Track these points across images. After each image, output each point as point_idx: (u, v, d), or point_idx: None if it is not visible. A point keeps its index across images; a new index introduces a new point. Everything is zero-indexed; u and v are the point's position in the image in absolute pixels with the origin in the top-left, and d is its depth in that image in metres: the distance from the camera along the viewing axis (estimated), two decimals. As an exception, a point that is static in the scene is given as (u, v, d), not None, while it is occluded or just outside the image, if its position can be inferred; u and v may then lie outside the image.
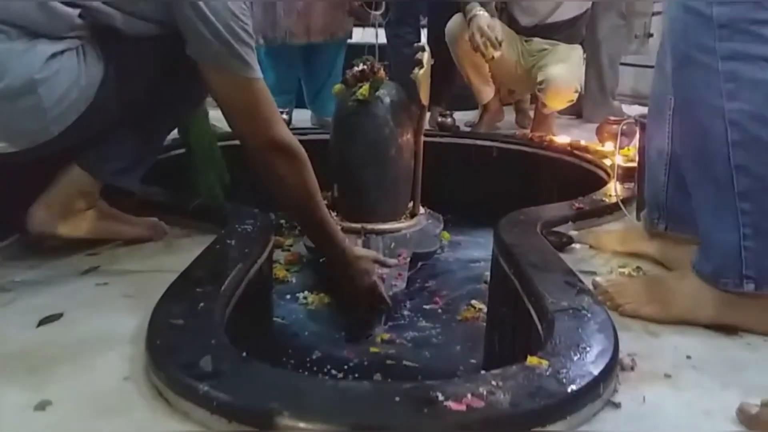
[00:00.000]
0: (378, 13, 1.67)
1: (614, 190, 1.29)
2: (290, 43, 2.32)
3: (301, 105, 2.69)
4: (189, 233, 1.19)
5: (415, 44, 1.64)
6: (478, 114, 2.45)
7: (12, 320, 0.83)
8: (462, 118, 2.59)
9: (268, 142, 1.02)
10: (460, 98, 2.60)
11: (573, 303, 0.80)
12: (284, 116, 2.24)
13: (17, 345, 0.77)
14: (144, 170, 1.12)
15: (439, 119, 2.25)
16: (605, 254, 1.09)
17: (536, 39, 2.18)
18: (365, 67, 1.62)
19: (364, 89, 1.59)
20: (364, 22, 2.41)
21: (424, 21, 2.77)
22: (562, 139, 2.00)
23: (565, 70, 2.05)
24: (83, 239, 1.06)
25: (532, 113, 2.50)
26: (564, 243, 1.10)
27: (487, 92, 2.28)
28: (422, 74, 1.58)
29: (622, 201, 1.27)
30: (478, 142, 2.16)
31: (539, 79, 2.06)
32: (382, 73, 1.64)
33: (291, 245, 1.92)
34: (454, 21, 2.17)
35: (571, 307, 0.79)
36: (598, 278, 0.93)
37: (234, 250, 0.98)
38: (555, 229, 1.15)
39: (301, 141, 2.23)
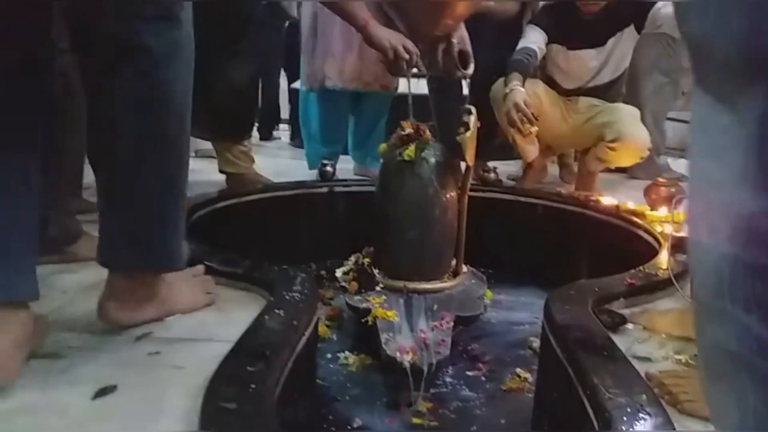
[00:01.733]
0: (468, 72, 1.70)
1: (668, 265, 1.25)
2: (341, 89, 2.34)
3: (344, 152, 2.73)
4: (238, 297, 1.20)
5: (463, 107, 1.65)
6: (521, 168, 2.44)
7: (68, 390, 0.85)
8: (504, 169, 2.59)
9: None
10: (502, 148, 2.60)
11: (631, 399, 0.77)
12: (328, 168, 2.29)
13: (75, 418, 0.78)
14: (177, 237, 1.02)
15: (483, 174, 2.25)
16: (659, 337, 1.06)
17: (581, 98, 2.19)
18: (411, 130, 1.64)
19: (410, 150, 1.61)
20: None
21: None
22: (609, 199, 1.97)
23: (637, 127, 2.08)
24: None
25: (575, 167, 2.48)
26: (616, 323, 1.07)
27: (532, 151, 2.28)
28: (468, 137, 1.59)
29: (675, 276, 1.23)
30: (522, 199, 2.15)
31: (610, 136, 2.07)
32: (428, 134, 1.66)
33: (332, 298, 1.93)
34: (499, 85, 2.20)
35: (629, 405, 0.76)
36: (653, 370, 0.89)
37: (283, 323, 0.99)
38: (607, 306, 1.12)
39: (343, 193, 2.30)
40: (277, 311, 1.02)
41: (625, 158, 2.14)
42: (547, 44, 2.17)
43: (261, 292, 1.20)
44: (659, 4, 2.03)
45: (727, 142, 0.40)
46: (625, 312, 1.13)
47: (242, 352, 0.88)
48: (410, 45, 1.73)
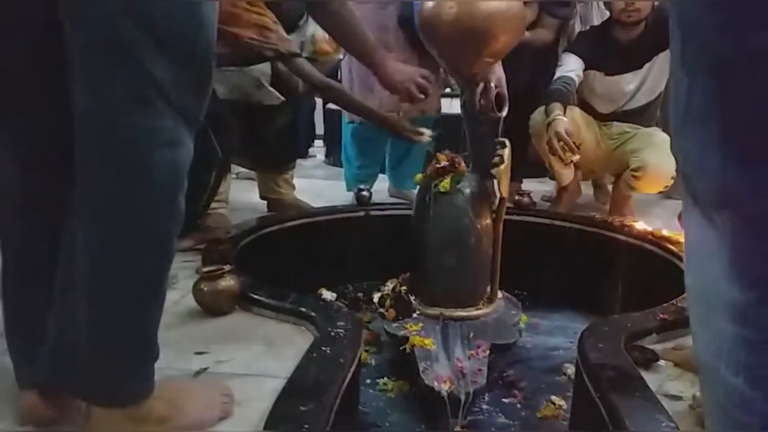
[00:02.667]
0: (503, 114, 1.75)
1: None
2: None
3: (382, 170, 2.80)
4: (285, 331, 1.28)
5: (496, 139, 1.70)
6: (555, 189, 2.47)
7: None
8: (538, 189, 2.62)
9: None
10: (534, 166, 2.63)
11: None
12: (364, 193, 2.37)
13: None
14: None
15: (516, 198, 2.29)
16: (691, 374, 1.09)
17: (615, 123, 2.21)
18: (446, 162, 1.70)
19: (446, 183, 1.67)
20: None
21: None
22: (643, 225, 2.00)
23: (660, 155, 2.07)
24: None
25: (610, 187, 2.50)
26: (648, 360, 1.11)
27: (567, 175, 2.31)
28: (503, 170, 1.64)
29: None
30: (557, 223, 2.18)
31: (634, 165, 2.10)
32: (462, 166, 1.72)
33: (369, 322, 1.99)
34: (539, 115, 2.24)
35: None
36: (681, 409, 0.93)
37: (330, 361, 1.06)
38: (639, 343, 1.16)
39: (379, 216, 2.36)
40: (323, 348, 1.09)
41: (649, 186, 2.15)
42: (585, 70, 2.20)
43: (307, 325, 1.28)
44: None
45: (715, 249, 0.52)
46: (658, 348, 1.16)
47: (294, 391, 0.96)
48: (423, 81, 1.73)
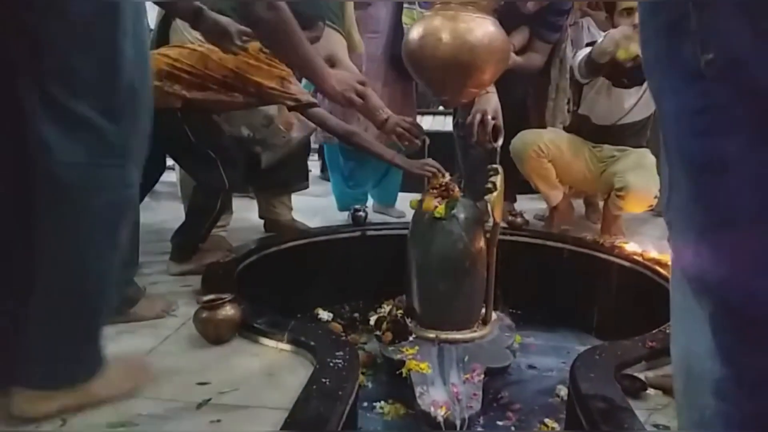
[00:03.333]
0: (498, 144, 1.80)
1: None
2: None
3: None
4: (285, 359, 1.31)
5: (489, 166, 1.74)
6: (548, 209, 2.51)
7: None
8: (532, 207, 2.66)
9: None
10: (526, 183, 2.66)
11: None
12: (360, 213, 2.41)
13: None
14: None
15: (510, 218, 2.33)
16: (679, 403, 1.13)
17: (605, 146, 2.26)
18: (441, 187, 1.74)
19: (441, 209, 1.70)
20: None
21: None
22: (633, 246, 2.04)
23: (643, 176, 2.12)
24: None
25: (601, 204, 2.54)
26: (638, 389, 1.15)
27: (555, 196, 2.36)
28: (496, 197, 1.68)
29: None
30: (549, 243, 2.22)
31: (618, 185, 2.14)
32: (457, 191, 1.76)
33: (365, 343, 2.02)
34: (519, 141, 2.28)
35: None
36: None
37: (329, 392, 1.09)
38: (629, 371, 1.19)
39: (375, 237, 2.39)
40: (323, 380, 1.12)
41: (633, 206, 2.19)
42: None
43: (306, 354, 1.31)
44: None
45: (700, 324, 0.56)
46: (648, 374, 1.20)
47: (295, 424, 0.99)
48: (361, 87, 1.73)
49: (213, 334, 1.37)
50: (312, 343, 1.30)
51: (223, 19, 1.61)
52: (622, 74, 2.19)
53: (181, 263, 1.86)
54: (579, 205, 2.74)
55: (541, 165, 2.27)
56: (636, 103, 2.25)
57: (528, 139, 2.31)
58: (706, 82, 0.51)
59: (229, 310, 1.37)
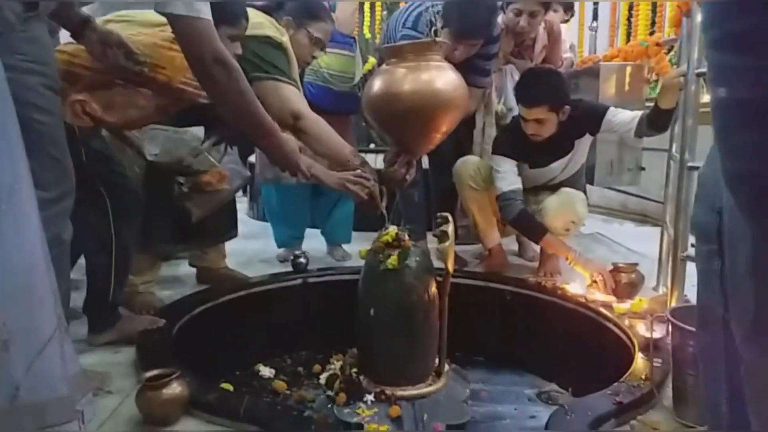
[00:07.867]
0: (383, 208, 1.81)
1: (648, 375, 1.35)
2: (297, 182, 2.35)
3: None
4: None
5: (439, 214, 1.72)
6: (482, 254, 2.54)
7: None
8: (464, 249, 2.67)
9: (211, 60, 1.29)
10: (462, 231, 2.67)
11: None
12: (301, 260, 2.31)
13: None
14: None
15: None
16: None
17: (541, 191, 2.32)
18: (392, 238, 1.69)
19: (393, 259, 1.65)
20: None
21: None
22: (575, 287, 2.09)
23: (560, 197, 2.21)
24: None
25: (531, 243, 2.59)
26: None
27: (493, 237, 2.39)
28: (448, 246, 1.66)
29: (656, 385, 1.33)
30: (492, 285, 2.23)
31: (538, 209, 2.23)
32: (408, 242, 1.72)
33: (313, 401, 1.91)
34: (461, 165, 2.31)
35: None
36: None
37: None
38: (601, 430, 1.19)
39: (317, 284, 2.31)
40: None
41: (554, 223, 2.20)
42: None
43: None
44: (611, 112, 2.17)
45: None
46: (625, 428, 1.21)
47: None
48: (356, 178, 1.74)
49: (158, 415, 1.23)
50: (270, 422, 1.20)
51: (114, 36, 1.48)
52: (533, 158, 2.28)
53: (103, 333, 1.67)
54: (512, 240, 2.78)
55: (478, 192, 2.35)
56: (563, 167, 2.30)
57: (468, 161, 2.40)
58: None
59: (176, 388, 1.24)
